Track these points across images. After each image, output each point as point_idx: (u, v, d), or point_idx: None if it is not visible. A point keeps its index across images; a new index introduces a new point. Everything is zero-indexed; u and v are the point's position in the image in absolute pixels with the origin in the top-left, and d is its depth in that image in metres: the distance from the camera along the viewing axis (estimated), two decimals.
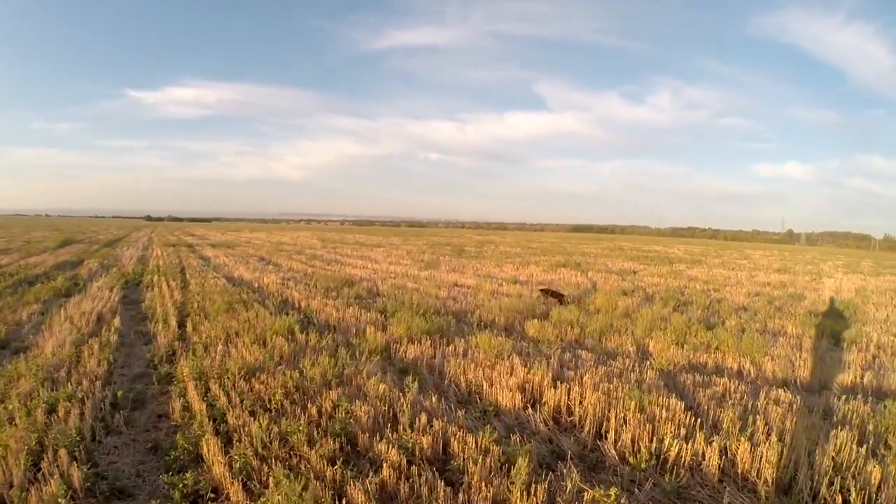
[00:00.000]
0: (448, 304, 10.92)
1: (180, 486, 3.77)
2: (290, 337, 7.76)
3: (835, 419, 5.26)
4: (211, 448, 4.26)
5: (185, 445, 4.40)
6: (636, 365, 6.96)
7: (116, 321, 9.21)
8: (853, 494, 3.70)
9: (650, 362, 7.12)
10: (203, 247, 29.17)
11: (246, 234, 49.06)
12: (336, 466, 3.92)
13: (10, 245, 26.56)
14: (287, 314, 9.41)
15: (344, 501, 3.55)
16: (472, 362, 6.57)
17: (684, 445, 4.34)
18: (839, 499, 3.75)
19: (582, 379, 6.04)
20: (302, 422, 4.74)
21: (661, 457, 4.34)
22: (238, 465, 4.01)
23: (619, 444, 4.61)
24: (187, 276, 15.52)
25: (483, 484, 3.72)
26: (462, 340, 7.75)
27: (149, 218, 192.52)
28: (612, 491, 3.55)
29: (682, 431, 4.63)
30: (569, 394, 5.53)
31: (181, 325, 9.02)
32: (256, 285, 13.66)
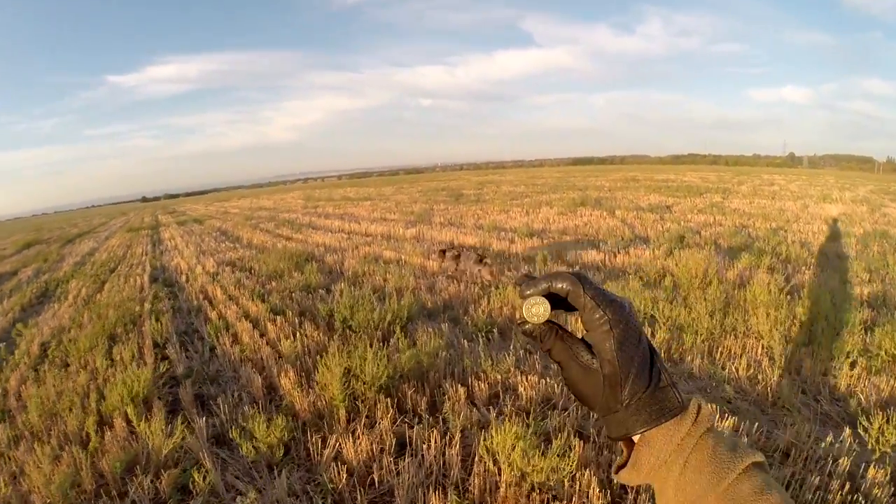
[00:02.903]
0: (439, 287, 6.93)
1: None
2: (127, 423, 3.81)
3: None
4: None
5: None
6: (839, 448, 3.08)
7: None
8: None
9: (872, 440, 3.22)
10: (170, 226, 24.68)
11: (229, 203, 44.12)
12: None
13: None
14: (181, 343, 5.57)
15: None
16: None
17: None
18: None
19: None
20: None
21: None
22: None
23: None
24: (115, 273, 11.57)
25: None
26: (462, 392, 3.77)
27: (144, 199, 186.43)
28: None
29: None
30: None
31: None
32: (184, 278, 9.74)
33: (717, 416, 3.40)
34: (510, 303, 5.77)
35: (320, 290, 7.28)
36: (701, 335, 4.78)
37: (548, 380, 3.88)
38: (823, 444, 3.08)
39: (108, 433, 3.65)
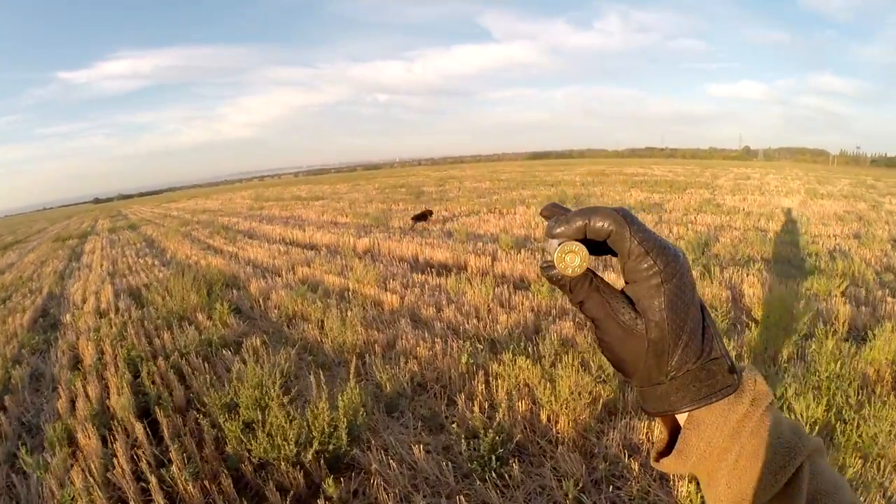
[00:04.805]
0: (403, 347, 4.50)
1: None
2: None
3: None
4: None
5: None
6: None
7: None
8: None
9: None
10: (101, 233, 21.19)
11: (175, 205, 40.07)
12: None
13: None
14: (9, 459, 3.11)
15: None
16: None
17: None
18: None
19: None
20: None
21: None
22: None
23: None
24: (3, 306, 8.87)
25: None
26: None
27: (97, 200, 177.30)
28: None
29: None
30: None
31: None
32: (69, 319, 7.03)
33: None
34: (525, 388, 3.45)
35: (226, 351, 4.82)
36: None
37: None
38: None
39: None
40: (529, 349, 3.91)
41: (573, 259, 0.48)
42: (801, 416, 3.06)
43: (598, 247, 0.49)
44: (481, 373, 3.66)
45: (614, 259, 0.49)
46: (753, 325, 4.56)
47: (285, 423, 2.82)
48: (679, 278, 0.47)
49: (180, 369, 4.55)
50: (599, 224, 0.47)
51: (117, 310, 7.17)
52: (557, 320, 4.65)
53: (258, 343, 4.76)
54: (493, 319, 4.84)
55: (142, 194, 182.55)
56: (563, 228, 0.48)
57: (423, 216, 12.06)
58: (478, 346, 4.08)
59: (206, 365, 4.53)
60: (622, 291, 0.50)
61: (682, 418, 0.51)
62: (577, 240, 0.48)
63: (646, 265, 0.47)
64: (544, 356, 3.66)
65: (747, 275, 6.25)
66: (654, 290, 0.47)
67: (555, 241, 0.49)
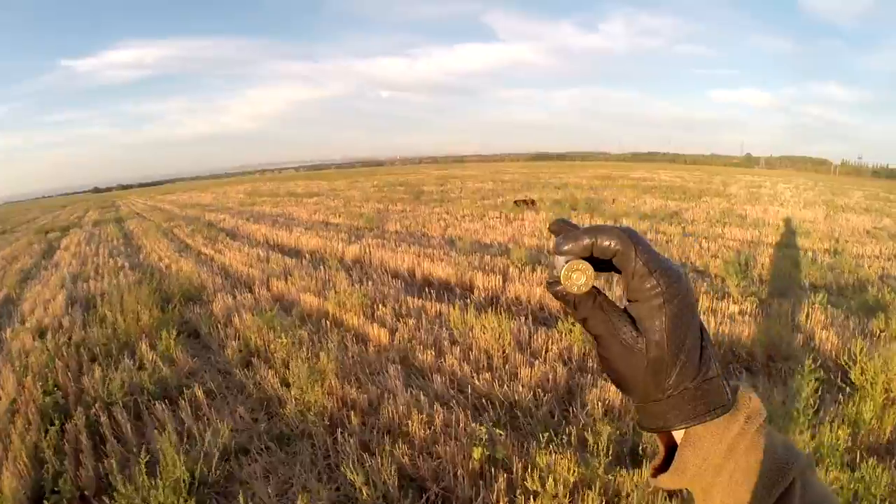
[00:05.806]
0: (389, 418, 3.28)
1: None
2: None
3: None
4: None
5: None
6: None
7: None
8: None
9: None
10: (85, 226, 20.02)
11: (169, 197, 38.71)
12: None
13: None
14: None
15: None
16: None
17: None
18: None
19: None
20: None
21: None
22: None
23: None
24: None
25: None
26: None
27: (96, 190, 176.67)
28: None
29: None
30: None
31: None
32: (8, 336, 5.99)
33: None
34: None
35: (162, 404, 3.66)
36: None
37: None
38: None
39: None
40: (568, 433, 2.77)
41: (579, 277, 0.47)
42: None
43: (602, 264, 0.48)
44: (503, 476, 2.50)
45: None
46: (842, 381, 3.45)
47: None
48: (681, 299, 0.47)
49: (99, 430, 3.42)
50: (606, 243, 0.47)
51: (60, 327, 6.05)
52: (598, 379, 3.49)
53: (201, 395, 3.62)
54: (512, 372, 3.69)
55: (142, 185, 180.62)
56: (570, 246, 0.48)
57: (528, 202, 13.89)
58: (496, 430, 2.89)
59: (131, 426, 3.38)
60: (625, 310, 0.49)
61: (678, 436, 0.50)
62: (583, 257, 0.47)
63: (649, 285, 0.46)
64: (596, 452, 2.53)
65: (812, 309, 5.13)
66: (655, 310, 0.46)
67: (562, 258, 0.48)
